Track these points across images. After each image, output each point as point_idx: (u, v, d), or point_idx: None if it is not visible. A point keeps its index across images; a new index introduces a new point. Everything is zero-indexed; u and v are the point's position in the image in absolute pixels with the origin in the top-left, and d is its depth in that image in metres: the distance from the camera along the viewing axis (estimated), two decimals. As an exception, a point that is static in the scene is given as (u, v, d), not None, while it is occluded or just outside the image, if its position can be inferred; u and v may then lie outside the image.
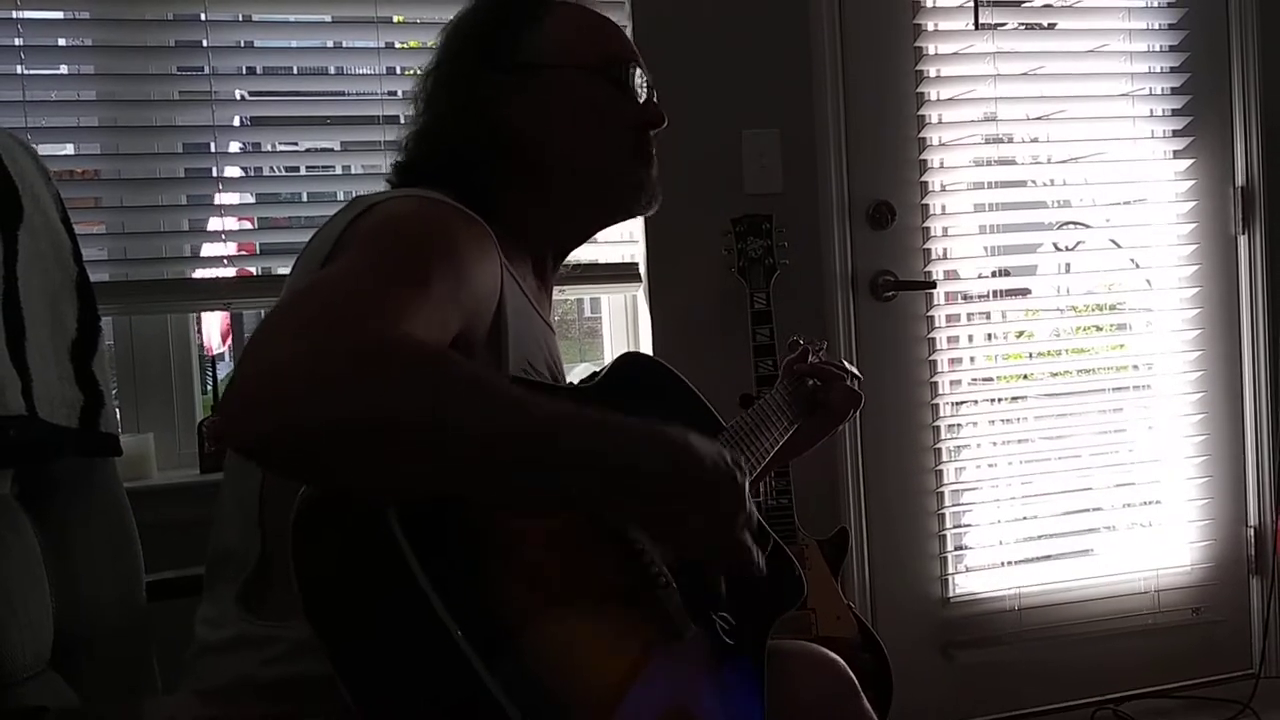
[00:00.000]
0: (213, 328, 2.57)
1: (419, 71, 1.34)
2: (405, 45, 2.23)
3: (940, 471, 2.52)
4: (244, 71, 2.27)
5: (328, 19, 2.27)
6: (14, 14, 1.99)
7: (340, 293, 0.84)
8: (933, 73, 2.48)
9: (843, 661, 1.27)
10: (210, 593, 1.10)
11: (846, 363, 1.66)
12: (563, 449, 0.80)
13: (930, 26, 2.47)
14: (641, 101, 1.27)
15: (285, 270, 2.26)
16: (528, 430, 0.79)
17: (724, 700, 1.02)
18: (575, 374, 1.33)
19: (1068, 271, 2.72)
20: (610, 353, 2.47)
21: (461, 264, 0.97)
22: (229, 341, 3.98)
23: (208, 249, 2.18)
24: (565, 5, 1.27)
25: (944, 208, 2.52)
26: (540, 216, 1.24)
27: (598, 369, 1.21)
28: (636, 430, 0.86)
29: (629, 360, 1.25)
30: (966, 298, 2.61)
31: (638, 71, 1.26)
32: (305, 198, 2.40)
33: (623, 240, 2.33)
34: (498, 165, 1.20)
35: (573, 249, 1.34)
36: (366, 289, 0.85)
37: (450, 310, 0.93)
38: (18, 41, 2.00)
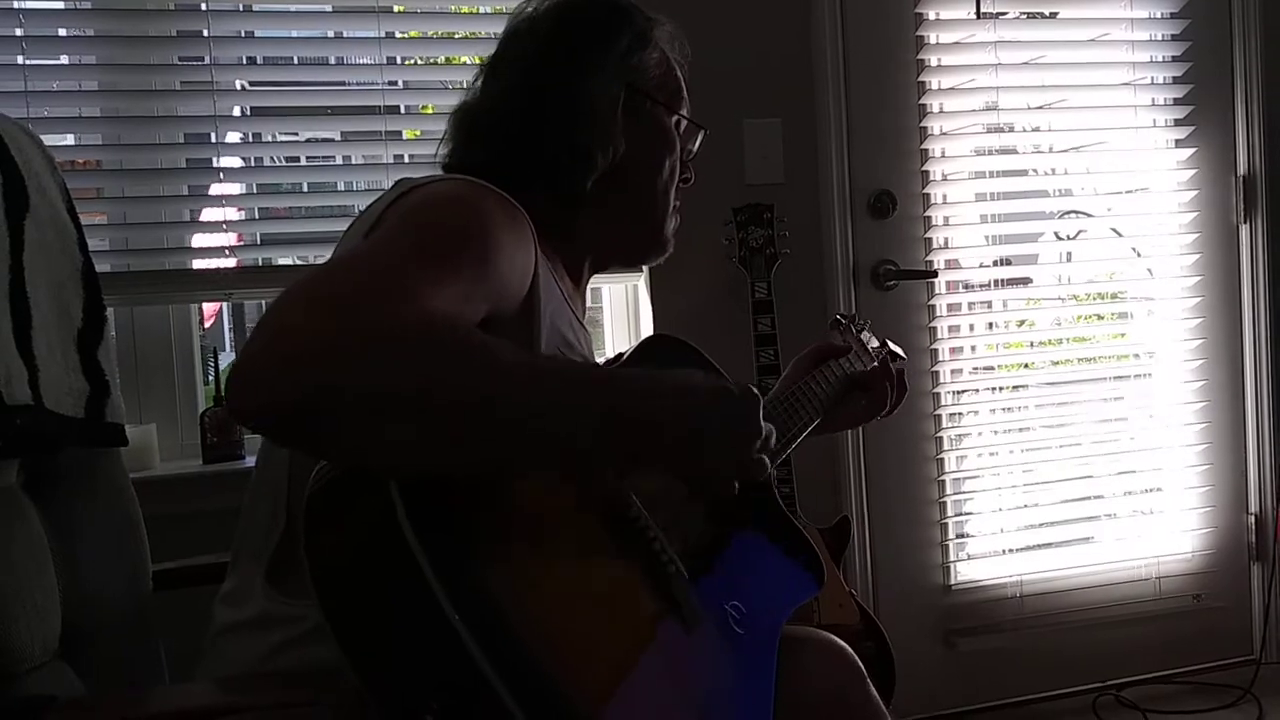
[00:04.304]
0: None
1: (444, 60, 1.32)
2: (406, 35, 2.23)
3: (942, 460, 2.52)
4: (244, 61, 2.27)
5: (328, 9, 2.26)
6: (15, 4, 1.99)
7: (366, 268, 0.85)
8: (934, 62, 2.48)
9: (850, 648, 1.27)
10: (234, 570, 1.11)
11: (890, 342, 1.64)
12: (574, 405, 0.81)
13: (931, 16, 2.46)
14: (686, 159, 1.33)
15: (286, 260, 2.28)
16: (537, 390, 0.80)
17: (732, 690, 1.02)
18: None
19: (1069, 260, 2.73)
20: (611, 343, 2.47)
21: (496, 246, 0.97)
22: (211, 321, 4.00)
23: (209, 239, 2.18)
24: (664, 28, 1.30)
25: (945, 197, 2.51)
26: (598, 232, 1.26)
27: (624, 351, 1.21)
28: (636, 376, 0.88)
29: (655, 341, 1.26)
30: (968, 287, 2.61)
31: (700, 137, 1.33)
32: (306, 188, 2.39)
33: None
34: (588, 170, 1.20)
35: (602, 271, 1.35)
36: (392, 265, 0.85)
37: (478, 292, 0.92)
38: (19, 32, 2.00)
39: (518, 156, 1.18)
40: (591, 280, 1.33)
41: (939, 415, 2.51)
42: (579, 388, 0.83)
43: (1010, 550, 2.59)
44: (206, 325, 3.81)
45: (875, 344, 1.61)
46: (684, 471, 0.92)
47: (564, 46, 1.21)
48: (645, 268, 2.29)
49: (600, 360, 1.26)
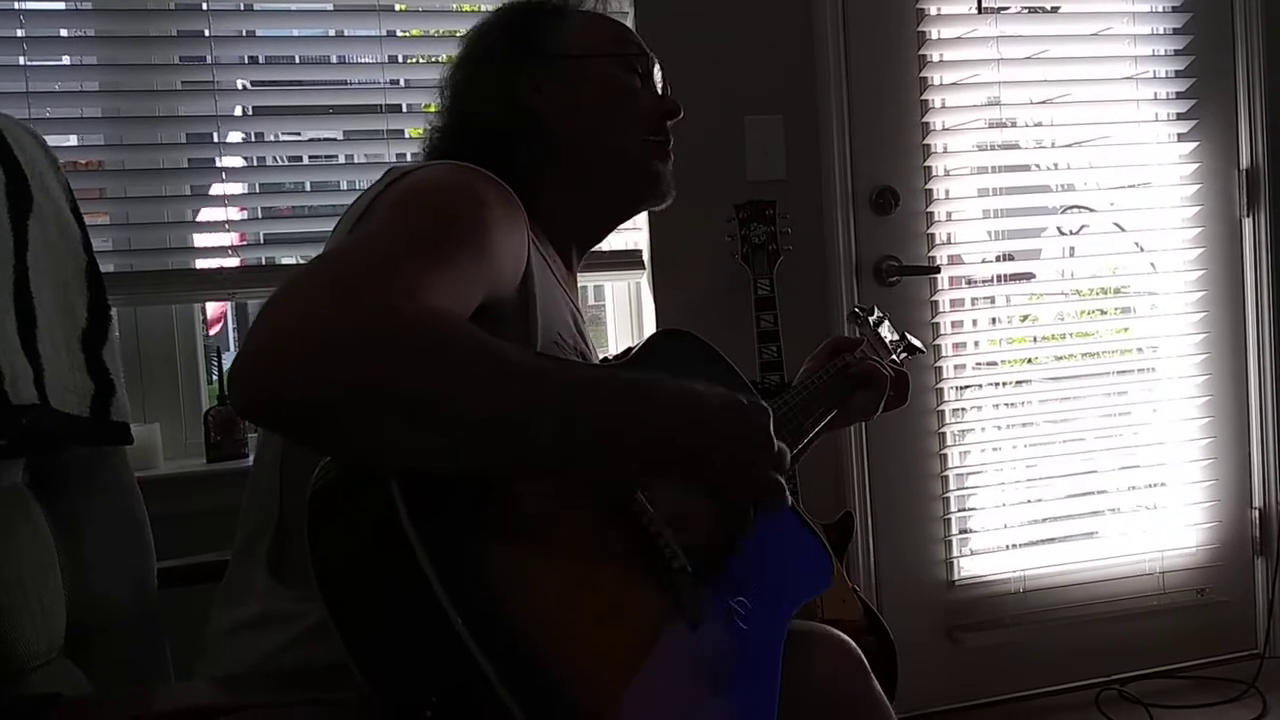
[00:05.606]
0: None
1: (446, 58, 1.37)
2: (407, 33, 2.23)
3: (945, 455, 2.52)
4: (246, 61, 2.27)
5: (329, 7, 2.26)
6: (16, 5, 1.99)
7: (359, 259, 0.84)
8: (936, 57, 2.48)
9: (854, 643, 1.27)
10: (233, 568, 1.11)
11: (909, 335, 1.64)
12: (578, 414, 0.81)
13: (933, 11, 2.46)
14: (660, 93, 1.32)
15: (289, 260, 2.28)
16: (540, 396, 0.79)
17: (736, 687, 1.02)
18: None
19: (1072, 255, 2.72)
20: (614, 341, 2.47)
21: (488, 231, 0.97)
22: (216, 329, 4.00)
23: (212, 239, 2.18)
24: (585, 11, 1.32)
25: (948, 192, 2.51)
26: (566, 204, 1.26)
27: (632, 346, 1.21)
28: (648, 383, 0.87)
29: (666, 335, 1.26)
30: (971, 282, 2.61)
31: (657, 66, 1.32)
32: (308, 187, 2.39)
33: (626, 227, 2.30)
34: (528, 152, 1.22)
35: (593, 243, 1.36)
36: (385, 256, 0.85)
37: (473, 279, 0.92)
38: (20, 33, 2.00)
39: (462, 151, 1.19)
40: (595, 276, 1.34)
41: (942, 411, 2.51)
42: (583, 392, 0.83)
43: (1013, 545, 2.59)
44: (212, 333, 3.81)
45: (893, 337, 1.61)
46: (691, 482, 0.92)
47: (465, 53, 1.31)
48: (647, 267, 2.30)
49: (608, 355, 1.25)
